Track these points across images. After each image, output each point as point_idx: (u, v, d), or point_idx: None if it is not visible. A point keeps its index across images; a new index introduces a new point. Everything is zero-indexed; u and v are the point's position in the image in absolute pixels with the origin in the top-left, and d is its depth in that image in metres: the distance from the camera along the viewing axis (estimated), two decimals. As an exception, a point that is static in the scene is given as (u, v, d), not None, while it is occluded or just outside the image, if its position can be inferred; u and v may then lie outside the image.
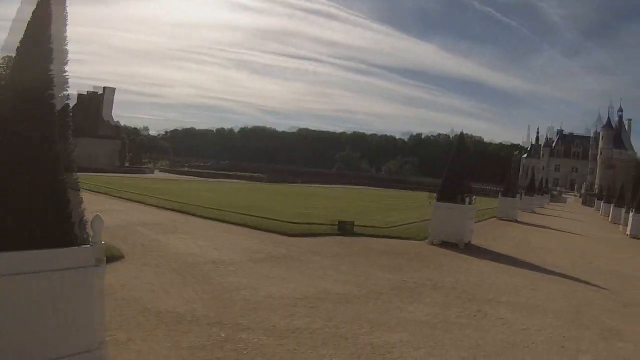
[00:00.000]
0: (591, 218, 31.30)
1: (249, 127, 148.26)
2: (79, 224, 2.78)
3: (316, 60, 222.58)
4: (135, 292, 5.20)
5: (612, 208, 29.22)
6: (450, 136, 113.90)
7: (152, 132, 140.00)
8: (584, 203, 55.11)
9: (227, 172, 52.58)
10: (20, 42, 2.64)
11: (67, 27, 2.93)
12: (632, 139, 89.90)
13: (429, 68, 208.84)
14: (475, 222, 14.26)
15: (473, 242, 11.78)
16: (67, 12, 2.92)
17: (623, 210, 27.80)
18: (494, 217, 20.67)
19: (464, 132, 12.00)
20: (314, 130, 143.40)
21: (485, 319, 5.57)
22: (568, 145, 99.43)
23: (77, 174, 2.94)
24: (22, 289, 2.49)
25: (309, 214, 14.95)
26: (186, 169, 58.49)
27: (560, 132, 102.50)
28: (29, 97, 2.60)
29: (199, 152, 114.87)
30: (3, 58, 2.71)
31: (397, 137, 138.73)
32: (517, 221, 20.36)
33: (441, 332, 4.93)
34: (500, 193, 21.75)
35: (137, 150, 69.51)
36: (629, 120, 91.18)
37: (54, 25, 2.76)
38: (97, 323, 2.82)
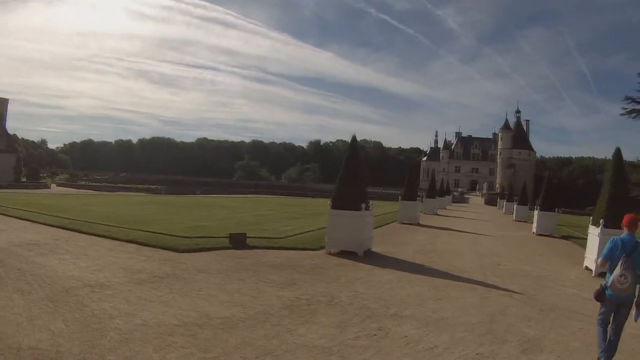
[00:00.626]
0: (495, 217, 32.62)
1: (147, 138, 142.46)
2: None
3: (214, 69, 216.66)
4: (0, 326, 4.67)
5: (515, 206, 30.72)
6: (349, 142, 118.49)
7: (52, 145, 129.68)
8: (486, 203, 57.38)
9: (125, 185, 52.32)
10: None
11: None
12: (530, 139, 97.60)
13: (327, 76, 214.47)
14: (376, 228, 14.05)
15: (373, 249, 11.46)
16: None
17: (527, 208, 29.76)
18: (395, 221, 20.73)
19: (358, 137, 11.50)
20: (213, 140, 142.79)
21: (386, 339, 5.06)
22: (467, 147, 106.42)
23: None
24: None
25: (204, 226, 14.10)
26: (84, 182, 58.32)
27: (458, 135, 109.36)
28: None
29: (99, 165, 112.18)
30: None
31: (297, 144, 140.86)
32: (419, 224, 20.65)
33: (337, 359, 4.38)
34: (400, 197, 21.56)
35: (35, 164, 68.10)
36: (527, 121, 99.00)
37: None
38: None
